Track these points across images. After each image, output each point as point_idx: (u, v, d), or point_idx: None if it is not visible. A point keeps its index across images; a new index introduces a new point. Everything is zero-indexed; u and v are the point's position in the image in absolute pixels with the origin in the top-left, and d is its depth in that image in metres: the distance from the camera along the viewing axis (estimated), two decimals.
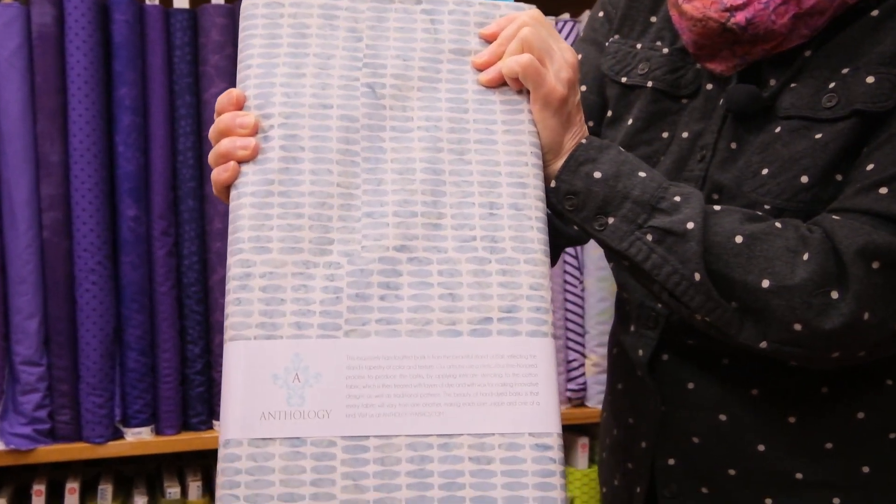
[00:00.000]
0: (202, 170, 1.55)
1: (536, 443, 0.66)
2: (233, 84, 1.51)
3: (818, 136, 0.79)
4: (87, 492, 1.55)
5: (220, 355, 1.54)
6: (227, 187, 0.71)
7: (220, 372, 1.54)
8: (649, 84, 0.91)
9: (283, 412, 0.65)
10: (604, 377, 1.71)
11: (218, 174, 0.71)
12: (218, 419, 1.56)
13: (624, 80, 0.93)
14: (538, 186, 0.73)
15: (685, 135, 0.88)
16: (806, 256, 0.74)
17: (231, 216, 0.70)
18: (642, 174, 0.77)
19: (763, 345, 0.76)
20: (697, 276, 0.74)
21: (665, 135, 0.90)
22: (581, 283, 1.70)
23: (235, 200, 0.70)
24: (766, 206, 0.80)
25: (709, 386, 0.86)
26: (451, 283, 0.69)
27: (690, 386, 0.87)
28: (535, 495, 0.65)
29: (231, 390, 0.66)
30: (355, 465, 0.64)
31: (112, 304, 1.48)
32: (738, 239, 0.75)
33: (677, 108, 0.90)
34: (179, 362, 1.53)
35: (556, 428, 0.67)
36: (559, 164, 0.76)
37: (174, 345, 1.52)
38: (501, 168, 0.72)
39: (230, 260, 0.69)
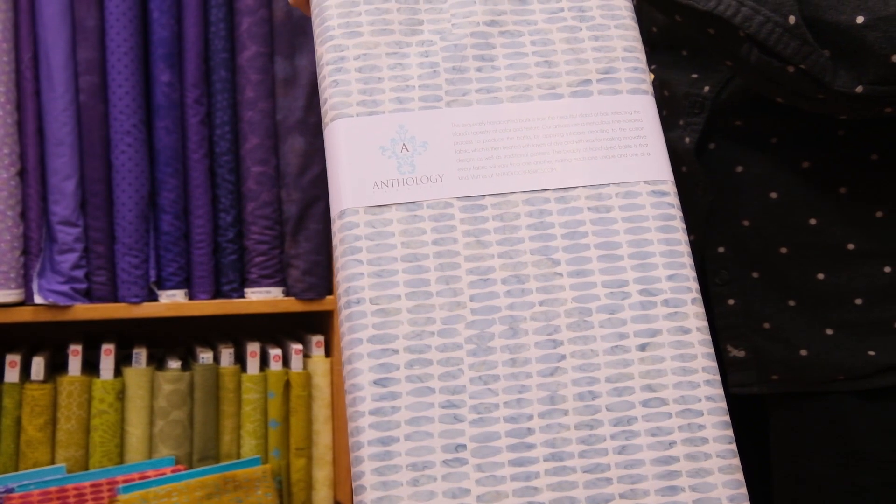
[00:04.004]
0: (233, 41, 1.57)
1: (653, 189, 0.66)
2: None
3: None
4: (122, 360, 1.59)
5: (252, 223, 1.58)
6: None
7: (252, 241, 1.57)
8: None
9: (396, 180, 0.65)
10: None
11: None
12: (249, 286, 1.59)
13: None
14: None
15: None
16: None
17: (317, 6, 0.70)
18: None
19: (859, 89, 0.75)
20: (792, 20, 0.74)
21: None
22: None
23: None
24: None
25: (758, 165, 0.87)
26: (545, 52, 0.69)
27: (739, 169, 0.88)
28: (660, 237, 0.65)
29: (339, 166, 0.66)
30: (474, 223, 0.65)
31: (146, 166, 1.51)
32: None
33: None
34: (212, 229, 1.56)
35: (669, 177, 0.67)
36: None
37: (207, 211, 1.55)
38: None
39: (321, 48, 0.69)
